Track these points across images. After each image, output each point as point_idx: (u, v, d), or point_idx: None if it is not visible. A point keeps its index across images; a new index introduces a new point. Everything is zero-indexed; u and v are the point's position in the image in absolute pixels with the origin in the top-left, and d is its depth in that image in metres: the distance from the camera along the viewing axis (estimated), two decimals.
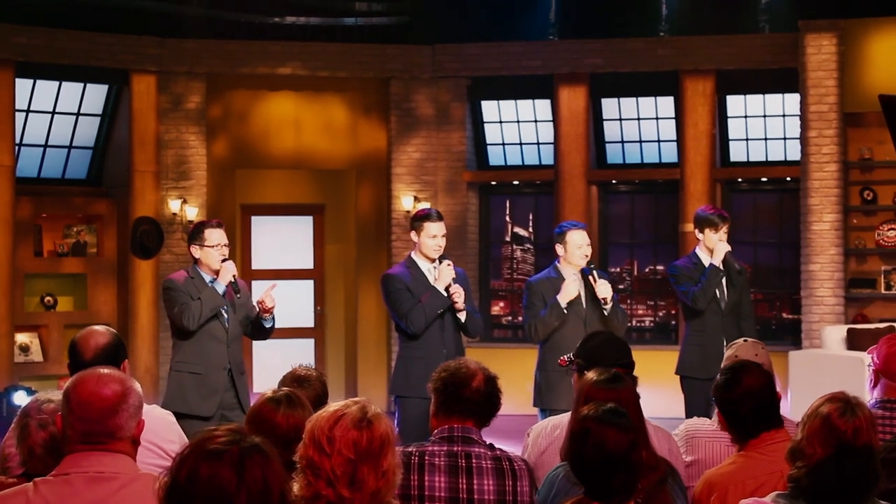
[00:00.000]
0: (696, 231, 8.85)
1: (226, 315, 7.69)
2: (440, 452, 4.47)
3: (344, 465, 3.27)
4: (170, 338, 13.98)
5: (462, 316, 8.06)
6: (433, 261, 8.08)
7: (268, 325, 7.84)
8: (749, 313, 8.94)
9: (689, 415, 8.01)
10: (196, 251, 7.74)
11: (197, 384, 7.58)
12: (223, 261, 7.67)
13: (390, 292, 8.09)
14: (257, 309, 7.76)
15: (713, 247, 8.69)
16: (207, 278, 7.69)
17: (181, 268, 14.24)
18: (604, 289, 8.05)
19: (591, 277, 8.11)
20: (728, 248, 8.72)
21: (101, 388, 3.45)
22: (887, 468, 4.06)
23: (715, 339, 8.50)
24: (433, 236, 8.04)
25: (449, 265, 8.02)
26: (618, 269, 15.31)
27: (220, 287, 7.64)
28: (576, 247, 8.13)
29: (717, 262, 8.66)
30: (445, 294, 7.99)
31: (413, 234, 8.18)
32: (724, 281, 8.67)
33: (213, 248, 7.67)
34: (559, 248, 8.23)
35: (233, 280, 7.67)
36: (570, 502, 3.79)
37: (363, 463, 3.28)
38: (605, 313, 8.06)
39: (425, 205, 14.77)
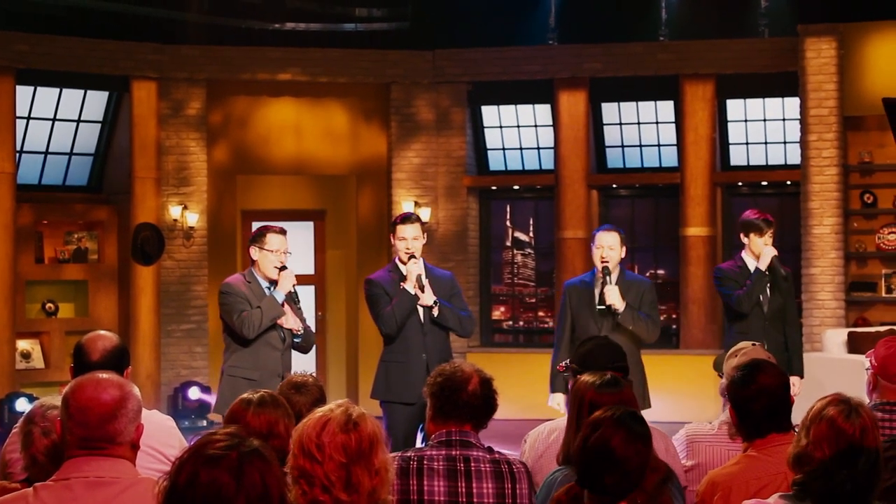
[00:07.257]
0: (742, 235, 8.87)
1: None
2: (438, 457, 4.47)
3: (337, 469, 3.29)
4: (171, 344, 14.28)
5: (435, 311, 8.00)
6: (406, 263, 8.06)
7: (297, 341, 7.89)
8: (794, 319, 9.00)
9: None
10: (255, 253, 7.81)
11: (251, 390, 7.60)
12: (281, 269, 7.69)
13: (367, 297, 8.18)
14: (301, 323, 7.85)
15: (758, 251, 8.71)
16: (264, 283, 7.72)
17: (182, 273, 14.47)
18: (612, 294, 8.06)
19: (604, 280, 8.13)
20: (774, 252, 8.73)
21: (99, 394, 3.45)
22: (889, 466, 4.11)
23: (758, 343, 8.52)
24: (402, 238, 8.03)
25: (416, 262, 7.97)
26: None
27: (280, 296, 7.67)
28: (596, 246, 8.23)
29: (764, 266, 8.67)
30: (413, 292, 7.98)
31: (392, 239, 8.20)
32: (768, 285, 8.71)
33: (272, 252, 7.73)
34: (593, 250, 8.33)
35: (292, 290, 7.70)
36: (564, 488, 3.82)
37: (355, 465, 3.30)
38: (617, 320, 8.08)
39: (425, 210, 14.79)
